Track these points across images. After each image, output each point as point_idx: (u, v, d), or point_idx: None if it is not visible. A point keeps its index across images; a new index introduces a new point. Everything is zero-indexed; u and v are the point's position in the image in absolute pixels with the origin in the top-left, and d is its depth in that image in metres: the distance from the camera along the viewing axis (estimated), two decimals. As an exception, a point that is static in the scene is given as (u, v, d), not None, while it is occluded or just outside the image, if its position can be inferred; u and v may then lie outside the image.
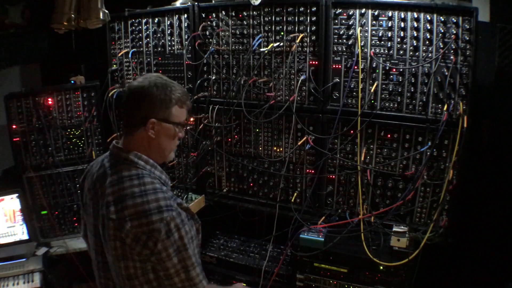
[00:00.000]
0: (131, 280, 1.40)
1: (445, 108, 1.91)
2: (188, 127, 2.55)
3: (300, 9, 2.13)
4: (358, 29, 2.02)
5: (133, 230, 1.33)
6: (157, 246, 1.33)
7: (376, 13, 1.98)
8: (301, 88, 2.21)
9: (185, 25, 2.48)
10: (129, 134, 1.46)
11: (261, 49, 2.25)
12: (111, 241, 1.38)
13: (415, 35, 1.93)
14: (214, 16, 2.38)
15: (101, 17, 2.38)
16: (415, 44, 1.94)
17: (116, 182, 1.40)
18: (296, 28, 2.16)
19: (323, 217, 2.22)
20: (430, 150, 1.95)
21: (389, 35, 1.97)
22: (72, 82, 2.84)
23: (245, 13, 2.28)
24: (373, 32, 2.01)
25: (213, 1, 2.39)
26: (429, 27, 1.90)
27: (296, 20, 2.15)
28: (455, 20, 1.85)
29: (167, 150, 1.52)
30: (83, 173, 1.65)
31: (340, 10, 2.05)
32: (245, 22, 2.28)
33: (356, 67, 2.05)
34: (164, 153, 1.52)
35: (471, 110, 1.89)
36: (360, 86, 2.05)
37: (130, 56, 2.70)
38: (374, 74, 2.04)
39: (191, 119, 2.56)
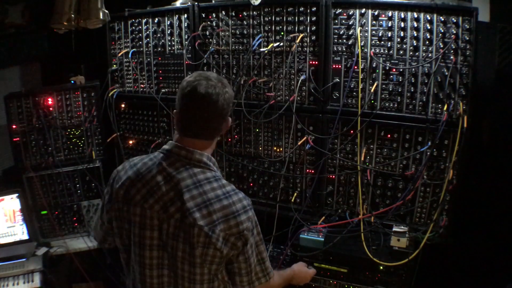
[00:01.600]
0: (202, 285, 1.40)
1: (445, 108, 1.91)
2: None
3: (300, 9, 2.13)
4: (358, 29, 2.02)
5: (222, 234, 1.33)
6: (247, 245, 1.37)
7: (376, 13, 1.98)
8: (301, 88, 2.21)
9: (185, 25, 2.48)
10: (200, 139, 1.42)
11: (261, 49, 2.25)
12: (199, 248, 1.34)
13: (415, 35, 1.93)
14: (214, 16, 2.38)
15: (101, 17, 2.38)
16: (415, 44, 1.94)
17: (194, 186, 1.36)
18: (296, 28, 2.16)
19: (323, 217, 2.22)
20: (430, 150, 1.95)
21: (389, 35, 1.97)
22: (72, 82, 2.84)
23: (245, 13, 2.28)
24: (373, 32, 2.01)
25: (213, 1, 2.39)
26: (429, 27, 1.90)
27: (296, 20, 2.15)
28: (455, 20, 1.85)
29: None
30: (115, 174, 1.53)
31: (340, 10, 2.05)
32: (245, 22, 2.28)
33: (356, 67, 2.05)
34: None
35: (471, 110, 1.89)
36: (360, 86, 2.05)
37: (130, 56, 2.70)
38: (374, 74, 2.04)
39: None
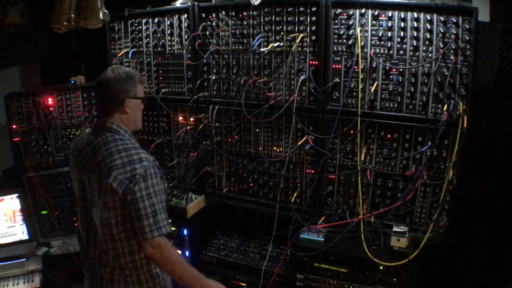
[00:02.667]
0: (110, 228, 1.65)
1: (445, 108, 1.91)
2: (188, 127, 2.57)
3: (300, 9, 2.13)
4: (358, 29, 2.02)
5: (119, 177, 1.62)
6: (135, 187, 1.60)
7: (376, 13, 1.98)
8: (301, 88, 2.21)
9: (185, 25, 2.48)
10: (107, 114, 1.78)
11: (261, 49, 2.25)
12: (104, 196, 1.63)
13: (415, 35, 1.93)
14: (214, 16, 2.38)
15: (101, 17, 2.38)
16: (415, 44, 1.94)
17: (103, 144, 1.71)
18: (296, 28, 2.16)
19: (323, 217, 2.22)
20: (430, 150, 1.95)
21: (389, 35, 1.97)
22: (72, 82, 2.84)
23: (245, 13, 2.28)
24: (373, 32, 2.01)
25: (213, 1, 2.39)
26: (429, 27, 1.90)
27: (296, 20, 2.15)
28: (455, 20, 1.85)
29: (138, 120, 1.88)
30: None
31: (340, 10, 2.05)
32: (245, 22, 2.28)
33: (356, 67, 2.05)
34: (136, 123, 1.88)
35: (471, 110, 1.89)
36: (360, 86, 2.05)
37: (130, 56, 2.70)
38: (374, 74, 2.04)
39: (191, 119, 2.56)
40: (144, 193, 1.62)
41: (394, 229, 2.01)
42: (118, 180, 1.62)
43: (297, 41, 2.14)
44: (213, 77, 2.45)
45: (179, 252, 1.83)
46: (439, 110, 1.95)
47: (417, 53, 1.95)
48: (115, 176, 1.62)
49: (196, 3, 2.43)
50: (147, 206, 1.62)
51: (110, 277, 1.73)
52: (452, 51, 1.88)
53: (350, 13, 2.03)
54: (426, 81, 1.95)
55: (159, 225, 1.64)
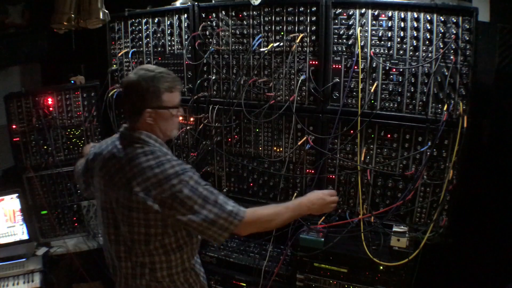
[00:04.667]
0: (148, 244, 1.58)
1: (445, 108, 1.91)
2: (188, 127, 2.56)
3: (300, 9, 2.13)
4: (358, 29, 2.02)
5: (158, 197, 1.50)
6: (187, 204, 1.50)
7: (376, 13, 1.98)
8: (301, 88, 2.21)
9: (185, 25, 2.48)
10: (133, 121, 1.64)
11: (261, 49, 2.25)
12: (137, 213, 1.53)
13: (415, 35, 1.93)
14: (214, 16, 2.38)
15: (101, 17, 2.38)
16: (415, 44, 1.94)
17: (132, 158, 1.57)
18: (296, 28, 2.16)
19: (323, 217, 2.22)
20: (430, 150, 1.95)
21: (389, 35, 1.97)
22: (72, 82, 2.84)
23: (245, 13, 2.28)
24: (373, 32, 2.01)
25: (213, 1, 2.39)
26: (429, 27, 1.90)
27: (296, 20, 2.15)
28: (455, 20, 1.85)
29: (168, 130, 1.70)
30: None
31: (340, 10, 2.05)
32: (245, 22, 2.28)
33: (356, 67, 2.05)
34: (166, 133, 1.70)
35: (471, 110, 1.89)
36: (360, 86, 2.05)
37: (130, 56, 2.70)
38: (374, 74, 2.04)
39: (191, 119, 2.56)
40: (200, 201, 1.52)
41: (394, 229, 2.01)
42: (158, 200, 1.50)
43: (297, 41, 2.14)
44: (213, 77, 2.45)
45: (267, 209, 1.68)
46: (439, 110, 1.95)
47: (417, 53, 1.95)
48: (154, 197, 1.50)
49: (196, 3, 2.43)
50: (211, 209, 1.52)
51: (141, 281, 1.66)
52: (452, 51, 1.88)
53: (350, 13, 2.03)
54: (426, 81, 1.95)
55: (232, 215, 1.55)
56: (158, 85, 1.59)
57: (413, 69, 1.96)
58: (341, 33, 2.07)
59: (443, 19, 1.87)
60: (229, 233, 1.57)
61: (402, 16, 1.94)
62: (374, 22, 2.00)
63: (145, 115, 1.60)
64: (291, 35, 2.16)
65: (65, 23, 2.34)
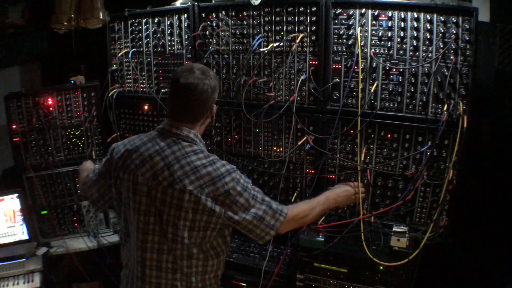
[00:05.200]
0: (190, 250, 1.58)
1: (445, 108, 1.91)
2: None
3: (300, 9, 2.13)
4: (358, 29, 2.02)
5: (211, 194, 1.52)
6: (239, 202, 1.55)
7: (376, 13, 1.98)
8: (301, 88, 2.21)
9: (185, 25, 2.48)
10: (187, 121, 1.63)
11: (261, 49, 2.25)
12: (185, 212, 1.53)
13: (415, 35, 1.93)
14: (214, 16, 2.38)
15: (101, 17, 2.39)
16: (415, 44, 1.94)
17: (182, 156, 1.56)
18: (296, 28, 2.16)
19: (323, 217, 2.22)
20: (430, 150, 1.95)
21: (389, 35, 1.97)
22: (72, 82, 2.84)
23: (245, 13, 2.28)
24: (373, 32, 2.01)
25: (213, 1, 2.39)
26: (429, 27, 1.90)
27: (296, 20, 2.15)
28: (455, 20, 1.85)
29: (202, 131, 1.74)
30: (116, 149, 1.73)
31: (340, 10, 2.05)
32: (245, 22, 2.28)
33: (356, 67, 2.04)
34: (201, 133, 1.73)
35: (471, 110, 1.89)
36: (360, 86, 2.05)
37: (130, 56, 2.70)
38: (374, 74, 2.04)
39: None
40: (251, 200, 1.57)
41: (394, 229, 2.01)
42: (211, 198, 1.53)
43: (297, 41, 2.14)
44: (213, 77, 2.45)
45: (303, 205, 1.78)
46: (439, 110, 1.95)
47: (417, 53, 1.95)
48: (207, 195, 1.52)
49: (196, 3, 2.43)
50: (259, 207, 1.58)
51: None
52: (452, 51, 1.88)
53: (350, 13, 2.03)
54: (426, 81, 1.95)
55: (278, 212, 1.61)
56: (210, 91, 1.63)
57: (413, 69, 1.96)
58: (341, 33, 2.07)
59: (443, 19, 1.87)
60: (275, 231, 1.62)
61: (402, 16, 1.94)
62: (374, 22, 2.00)
63: (213, 111, 1.69)
64: (291, 35, 2.16)
65: (65, 23, 2.35)
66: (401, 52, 1.98)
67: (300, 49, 2.18)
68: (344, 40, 2.07)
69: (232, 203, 1.55)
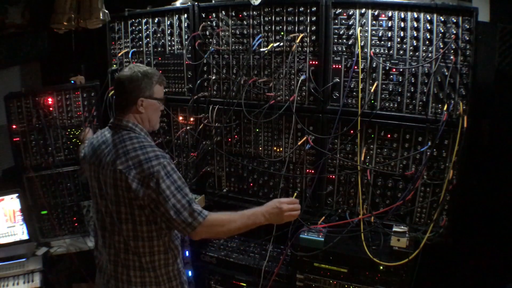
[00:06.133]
0: (135, 226, 1.67)
1: (445, 108, 1.91)
2: (188, 127, 2.57)
3: (300, 9, 2.13)
4: (358, 29, 2.02)
5: (138, 176, 1.61)
6: (160, 186, 1.60)
7: (376, 13, 1.98)
8: (301, 88, 2.21)
9: (185, 25, 2.48)
10: (124, 112, 1.78)
11: (261, 49, 2.25)
12: (121, 191, 1.65)
13: (415, 35, 1.93)
14: (214, 16, 2.38)
15: (101, 17, 2.38)
16: (415, 44, 1.94)
17: (119, 142, 1.71)
18: (296, 28, 2.16)
19: (323, 217, 2.22)
20: (430, 150, 1.95)
21: (389, 35, 1.97)
22: (72, 82, 2.84)
23: (245, 13, 2.28)
24: (373, 32, 2.01)
25: (213, 1, 2.39)
26: (429, 27, 1.90)
27: (296, 20, 2.15)
28: (455, 20, 1.85)
29: (153, 121, 1.86)
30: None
31: (340, 10, 2.05)
32: (245, 22, 2.28)
33: (356, 67, 2.05)
34: (152, 124, 1.86)
35: (471, 110, 1.89)
36: (360, 86, 2.05)
37: (130, 56, 2.70)
38: (374, 74, 2.04)
39: (191, 119, 2.56)
40: (173, 188, 1.62)
41: (394, 229, 2.01)
42: (137, 179, 1.61)
43: (297, 41, 2.14)
44: (213, 77, 2.45)
45: (224, 215, 1.73)
46: (439, 110, 1.95)
47: (417, 53, 1.95)
48: (133, 176, 1.61)
49: (196, 3, 2.43)
50: (180, 199, 1.62)
51: (127, 278, 1.74)
52: (452, 51, 1.88)
53: (350, 13, 2.03)
54: (426, 81, 1.95)
55: (197, 212, 1.64)
56: (150, 77, 1.79)
57: (413, 69, 1.96)
58: (341, 33, 2.07)
59: (443, 19, 1.87)
60: (191, 229, 1.64)
61: (402, 16, 1.94)
62: (374, 22, 2.00)
63: (138, 103, 1.75)
64: (291, 35, 2.16)
65: (65, 23, 2.34)
66: (401, 52, 1.98)
67: (300, 49, 2.18)
68: (344, 40, 2.07)
69: (155, 185, 1.60)
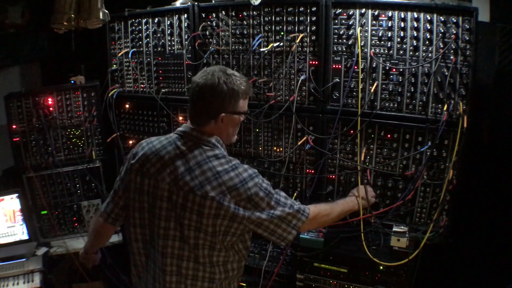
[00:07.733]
0: (212, 251, 1.56)
1: (445, 108, 1.91)
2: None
3: (300, 9, 2.13)
4: (358, 29, 2.02)
5: (233, 200, 1.50)
6: (260, 207, 1.53)
7: (376, 13, 1.98)
8: (301, 88, 2.21)
9: (185, 25, 2.48)
10: (201, 124, 1.60)
11: (261, 49, 2.25)
12: (208, 219, 1.51)
13: (415, 35, 1.93)
14: (214, 16, 2.38)
15: (101, 17, 2.38)
16: (415, 44, 1.94)
17: (203, 161, 1.54)
18: (296, 28, 2.16)
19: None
20: (430, 150, 1.95)
21: (389, 35, 1.97)
22: (72, 82, 2.84)
23: (245, 13, 2.28)
24: (373, 32, 2.01)
25: (213, 1, 2.39)
26: (429, 27, 1.90)
27: (296, 20, 2.15)
28: (455, 20, 1.85)
29: (232, 136, 1.72)
30: (132, 153, 1.70)
31: (340, 10, 2.05)
32: (245, 22, 2.28)
33: (356, 67, 2.04)
34: (230, 138, 1.71)
35: (471, 110, 1.88)
36: (360, 86, 2.05)
37: (130, 56, 2.70)
38: (374, 74, 2.04)
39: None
40: (269, 208, 1.55)
41: (394, 229, 2.01)
42: (233, 203, 1.50)
43: (297, 41, 2.14)
44: (213, 77, 2.45)
45: (323, 205, 1.84)
46: (439, 110, 1.95)
47: (417, 53, 1.95)
48: (229, 201, 1.49)
49: (196, 3, 2.43)
50: (282, 211, 1.57)
51: None
52: (452, 51, 1.88)
53: (350, 13, 2.03)
54: (426, 81, 1.95)
55: (300, 213, 1.62)
56: (237, 93, 1.59)
57: (413, 69, 1.96)
58: (341, 33, 2.07)
59: (443, 19, 1.87)
60: (297, 231, 1.62)
61: (402, 16, 1.94)
62: (374, 22, 2.00)
63: (219, 119, 1.58)
64: (291, 35, 2.16)
65: (65, 23, 2.34)
66: (401, 52, 1.98)
67: (300, 49, 2.18)
68: (344, 40, 2.07)
69: (255, 208, 1.53)
